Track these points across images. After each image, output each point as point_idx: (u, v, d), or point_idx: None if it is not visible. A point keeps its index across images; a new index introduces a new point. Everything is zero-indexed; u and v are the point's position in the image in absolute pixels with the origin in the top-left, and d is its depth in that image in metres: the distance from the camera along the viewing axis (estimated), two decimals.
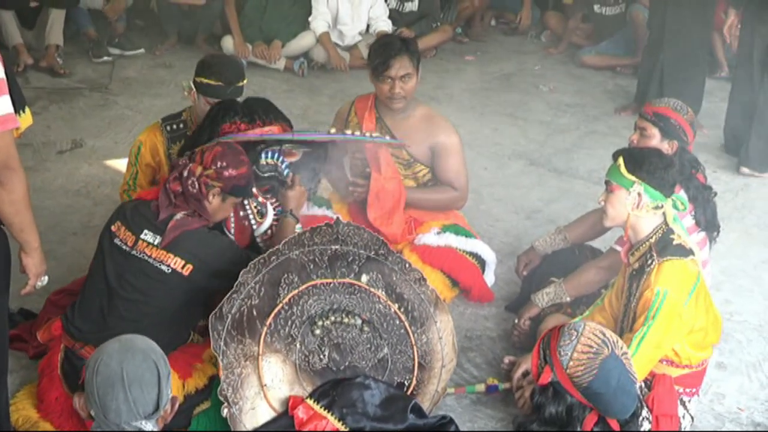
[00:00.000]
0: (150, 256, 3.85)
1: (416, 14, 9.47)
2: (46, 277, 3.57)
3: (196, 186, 3.85)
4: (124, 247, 3.89)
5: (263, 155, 4.32)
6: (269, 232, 4.36)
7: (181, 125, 4.80)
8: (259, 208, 4.34)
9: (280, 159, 4.36)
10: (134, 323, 3.77)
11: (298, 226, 4.32)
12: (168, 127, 4.79)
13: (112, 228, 3.95)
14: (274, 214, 4.39)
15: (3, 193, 3.08)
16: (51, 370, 3.98)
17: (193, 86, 4.70)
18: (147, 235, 3.87)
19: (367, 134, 4.77)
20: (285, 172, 4.37)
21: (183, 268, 3.84)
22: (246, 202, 4.28)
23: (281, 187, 4.37)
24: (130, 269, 3.89)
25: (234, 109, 4.31)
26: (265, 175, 4.33)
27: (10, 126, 3.02)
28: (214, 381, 3.86)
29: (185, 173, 3.88)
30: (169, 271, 3.83)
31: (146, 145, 4.77)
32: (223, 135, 4.21)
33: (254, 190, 4.21)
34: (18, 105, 3.12)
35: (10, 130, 3.03)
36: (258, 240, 4.35)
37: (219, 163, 3.87)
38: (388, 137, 4.88)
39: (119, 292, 3.89)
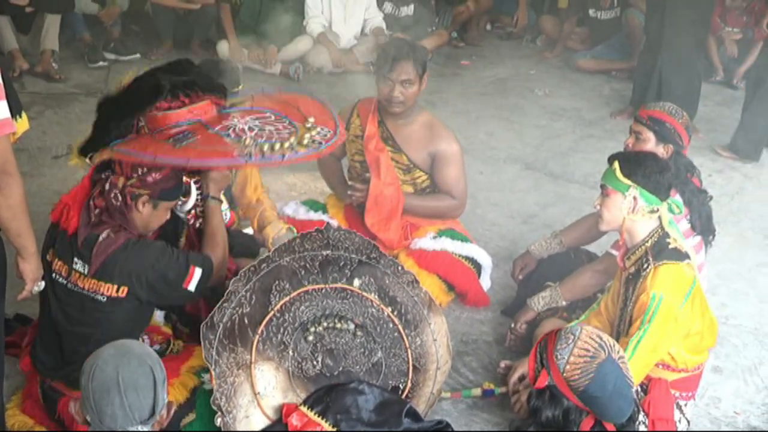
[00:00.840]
0: (83, 288, 3.68)
1: (412, 19, 9.50)
2: (43, 283, 3.56)
3: (119, 198, 3.64)
4: (60, 280, 3.72)
5: (180, 136, 3.86)
6: (193, 212, 4.16)
7: None
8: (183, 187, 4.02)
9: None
10: (90, 354, 3.67)
11: (224, 207, 4.18)
12: None
13: (48, 257, 3.77)
14: (198, 194, 4.15)
15: (0, 198, 3.07)
16: (33, 400, 3.93)
17: None
18: (77, 264, 3.67)
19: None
20: None
21: (118, 291, 3.68)
22: None
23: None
24: (70, 303, 3.74)
25: (156, 87, 3.79)
26: None
27: (6, 131, 3.02)
28: (197, 392, 3.82)
29: (107, 186, 3.67)
30: (105, 299, 3.68)
31: None
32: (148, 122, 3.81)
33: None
34: (14, 110, 3.12)
35: (7, 135, 3.04)
36: (183, 216, 4.11)
37: (140, 170, 3.65)
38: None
39: (67, 327, 3.76)
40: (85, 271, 3.66)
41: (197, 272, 3.78)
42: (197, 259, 3.82)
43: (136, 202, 3.67)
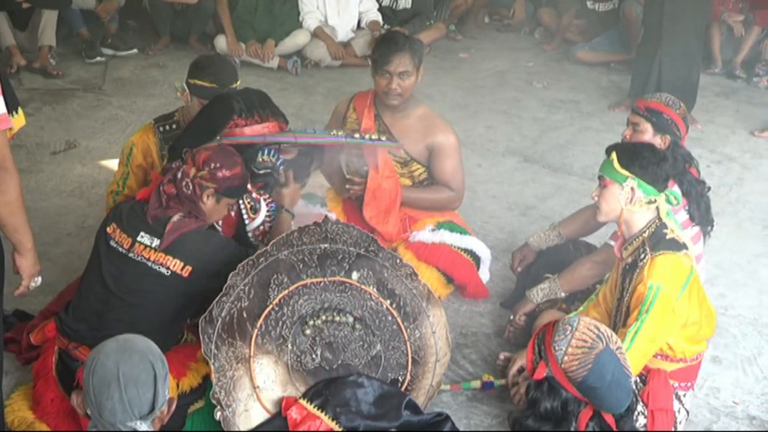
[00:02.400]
0: (148, 259, 3.81)
1: (410, 12, 9.50)
2: (40, 278, 3.57)
3: (191, 187, 3.82)
4: (120, 249, 3.85)
5: (261, 153, 4.30)
6: (261, 228, 4.35)
7: (174, 126, 4.77)
8: (252, 203, 4.31)
9: (276, 156, 4.34)
10: (131, 325, 3.70)
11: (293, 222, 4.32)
12: (161, 128, 4.75)
13: (108, 230, 3.91)
14: (267, 211, 4.38)
15: None
16: (46, 372, 3.96)
17: (186, 87, 4.67)
18: (144, 238, 3.82)
19: (366, 136, 4.77)
20: (279, 169, 4.36)
21: (182, 269, 3.80)
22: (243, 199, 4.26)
23: (276, 184, 4.37)
24: (127, 272, 3.84)
25: (230, 106, 4.26)
26: (261, 172, 4.30)
27: (3, 127, 3.03)
28: (208, 380, 3.83)
29: (179, 175, 3.84)
30: (169, 273, 3.80)
31: (138, 147, 4.73)
32: (223, 133, 4.20)
33: (248, 186, 4.18)
34: (11, 106, 3.12)
35: (4, 131, 3.04)
36: (250, 235, 4.34)
37: (212, 164, 3.84)
38: (385, 138, 4.88)
39: (117, 294, 3.85)
40: (153, 245, 3.81)
41: None
42: None
43: (202, 193, 3.83)
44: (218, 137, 4.14)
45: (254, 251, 3.90)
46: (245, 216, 4.29)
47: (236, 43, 8.65)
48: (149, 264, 3.81)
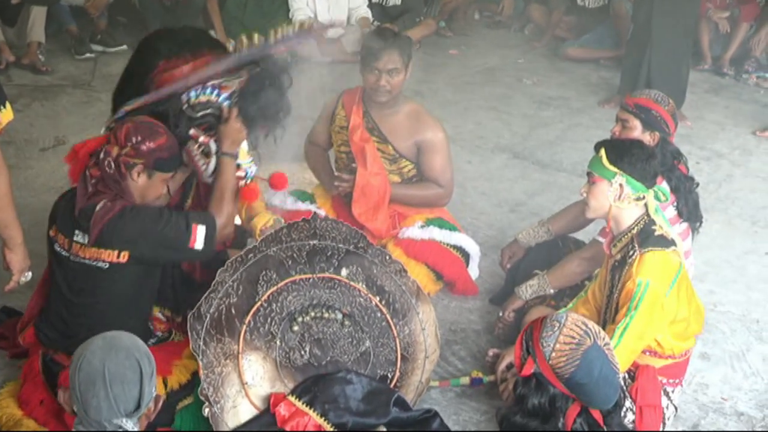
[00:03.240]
0: (85, 258, 3.71)
1: (400, 8, 9.49)
2: (30, 273, 3.57)
3: (113, 166, 3.66)
4: (63, 253, 3.76)
5: (192, 94, 3.92)
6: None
7: None
8: (203, 147, 3.97)
9: (215, 93, 3.96)
10: (94, 326, 3.58)
11: (248, 160, 4.13)
12: None
13: (51, 233, 3.82)
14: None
15: None
16: (33, 375, 3.92)
17: None
18: (78, 236, 3.72)
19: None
20: (224, 105, 3.97)
21: (119, 257, 3.69)
22: (190, 147, 3.95)
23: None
24: (73, 275, 3.77)
25: (156, 49, 3.94)
26: (199, 114, 3.94)
27: None
28: (196, 376, 3.80)
29: (101, 155, 3.69)
30: (107, 266, 3.70)
31: None
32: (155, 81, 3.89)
33: (192, 131, 3.90)
34: None
35: None
36: (210, 180, 4.02)
37: (134, 139, 3.66)
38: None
39: (72, 299, 3.80)
40: (85, 241, 3.69)
41: (200, 230, 3.75)
42: (198, 217, 3.80)
43: (130, 171, 3.68)
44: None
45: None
46: (201, 163, 3.98)
47: (225, 39, 8.61)
48: (87, 262, 3.71)
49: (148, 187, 3.76)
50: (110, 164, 3.66)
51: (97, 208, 3.65)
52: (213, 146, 3.97)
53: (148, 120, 3.77)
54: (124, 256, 3.70)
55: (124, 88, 3.99)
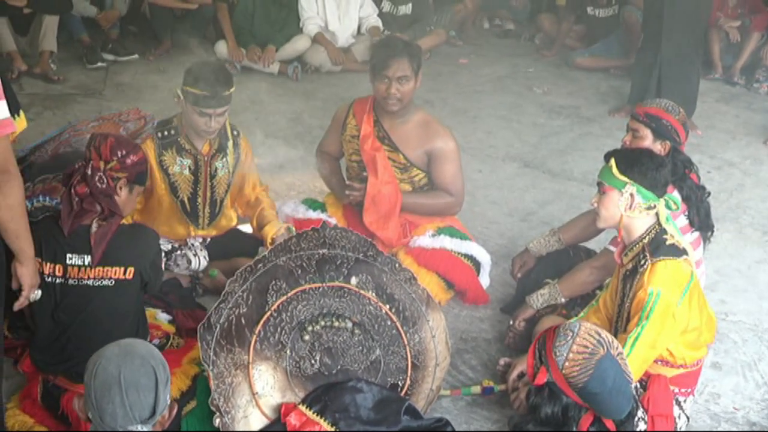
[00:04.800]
0: (87, 278, 3.74)
1: (410, 18, 9.51)
2: (39, 292, 3.55)
3: (105, 181, 3.72)
4: (56, 281, 3.75)
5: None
6: None
7: (173, 131, 4.76)
8: None
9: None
10: (95, 344, 3.67)
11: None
12: (159, 134, 4.76)
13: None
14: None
15: (0, 197, 3.06)
16: (33, 400, 3.93)
17: (180, 94, 4.66)
18: (73, 259, 3.73)
19: None
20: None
21: (125, 273, 3.76)
22: None
23: None
24: (71, 299, 3.77)
25: None
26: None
27: (7, 131, 3.02)
28: (197, 379, 3.86)
29: (89, 171, 3.73)
30: (113, 283, 3.75)
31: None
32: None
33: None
34: (12, 109, 3.12)
35: (7, 135, 3.03)
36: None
37: (119, 153, 3.76)
38: None
39: (68, 324, 3.79)
40: (85, 263, 3.72)
41: None
42: None
43: (116, 185, 3.77)
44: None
45: None
46: None
47: (237, 49, 8.65)
48: (90, 282, 3.74)
49: (127, 201, 3.87)
50: (101, 179, 3.72)
51: (93, 228, 3.72)
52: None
53: (123, 135, 3.97)
54: (130, 273, 3.77)
55: None
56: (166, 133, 4.76)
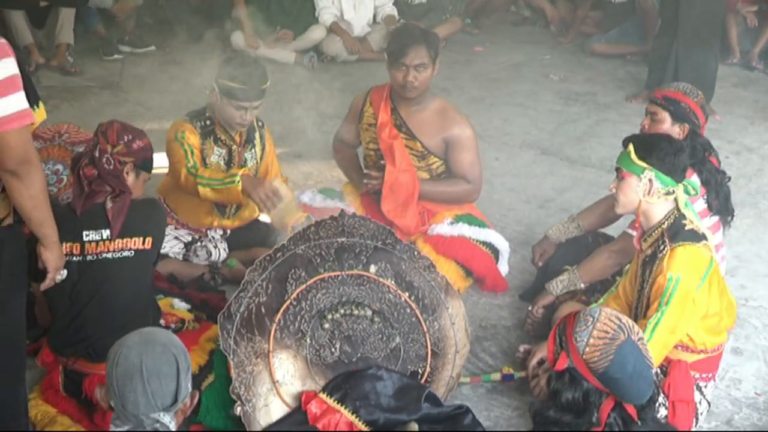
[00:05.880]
0: (108, 251, 3.80)
1: (425, 6, 9.52)
2: (65, 271, 3.59)
3: (112, 162, 3.80)
4: (74, 259, 3.78)
5: None
6: None
7: (208, 122, 4.80)
8: None
9: None
10: (113, 319, 3.75)
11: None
12: (198, 123, 4.79)
13: None
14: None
15: (22, 187, 3.09)
16: (55, 390, 3.96)
17: (215, 86, 4.68)
18: (90, 235, 3.79)
19: None
20: None
21: (144, 243, 3.84)
22: None
23: None
24: (89, 275, 3.80)
25: None
26: None
27: (26, 122, 3.05)
28: (213, 353, 3.90)
29: (96, 154, 3.81)
30: (133, 253, 3.82)
31: (187, 133, 4.72)
32: None
33: None
34: (32, 100, 3.14)
35: (27, 126, 3.06)
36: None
37: (126, 137, 3.84)
38: None
39: (85, 302, 3.81)
40: (104, 237, 3.79)
41: None
42: None
43: (123, 169, 3.84)
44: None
45: None
46: None
47: (254, 38, 8.66)
48: (110, 255, 3.80)
49: (134, 186, 3.91)
50: (108, 161, 3.80)
51: (108, 205, 3.79)
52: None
53: (126, 122, 3.99)
54: (149, 242, 3.85)
55: None
56: (203, 123, 4.79)
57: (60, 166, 4.65)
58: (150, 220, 3.90)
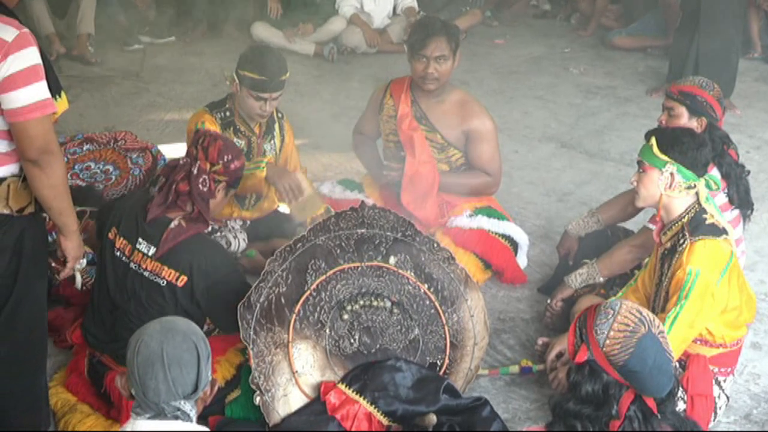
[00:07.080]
0: (145, 269, 3.76)
1: None
2: (85, 260, 3.60)
3: (207, 184, 3.78)
4: (123, 258, 3.80)
5: None
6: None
7: (228, 113, 4.80)
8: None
9: None
10: None
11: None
12: (218, 114, 4.80)
13: (110, 235, 3.86)
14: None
15: (43, 176, 3.11)
16: (79, 373, 3.99)
17: (236, 77, 4.69)
18: (141, 245, 3.77)
19: None
20: None
21: (177, 279, 3.75)
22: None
23: None
24: (127, 282, 3.80)
25: None
26: None
27: (48, 111, 3.07)
28: (242, 369, 3.84)
29: (195, 171, 3.77)
30: (164, 283, 3.76)
31: (207, 124, 4.69)
32: None
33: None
34: (54, 90, 3.16)
35: (48, 115, 3.08)
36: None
37: (226, 157, 3.81)
38: None
39: (122, 305, 3.83)
40: (149, 253, 3.75)
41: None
42: None
43: (216, 188, 3.82)
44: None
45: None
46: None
47: (274, 29, 8.68)
48: (146, 275, 3.77)
49: (220, 204, 3.95)
50: (205, 182, 3.77)
51: (172, 224, 3.74)
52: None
53: (228, 138, 4.01)
54: (182, 281, 3.76)
55: None
56: (223, 114, 4.79)
57: (110, 167, 4.67)
58: (199, 261, 3.75)
